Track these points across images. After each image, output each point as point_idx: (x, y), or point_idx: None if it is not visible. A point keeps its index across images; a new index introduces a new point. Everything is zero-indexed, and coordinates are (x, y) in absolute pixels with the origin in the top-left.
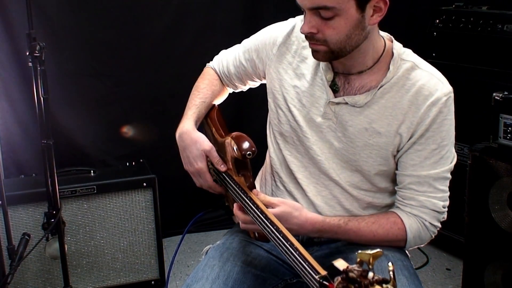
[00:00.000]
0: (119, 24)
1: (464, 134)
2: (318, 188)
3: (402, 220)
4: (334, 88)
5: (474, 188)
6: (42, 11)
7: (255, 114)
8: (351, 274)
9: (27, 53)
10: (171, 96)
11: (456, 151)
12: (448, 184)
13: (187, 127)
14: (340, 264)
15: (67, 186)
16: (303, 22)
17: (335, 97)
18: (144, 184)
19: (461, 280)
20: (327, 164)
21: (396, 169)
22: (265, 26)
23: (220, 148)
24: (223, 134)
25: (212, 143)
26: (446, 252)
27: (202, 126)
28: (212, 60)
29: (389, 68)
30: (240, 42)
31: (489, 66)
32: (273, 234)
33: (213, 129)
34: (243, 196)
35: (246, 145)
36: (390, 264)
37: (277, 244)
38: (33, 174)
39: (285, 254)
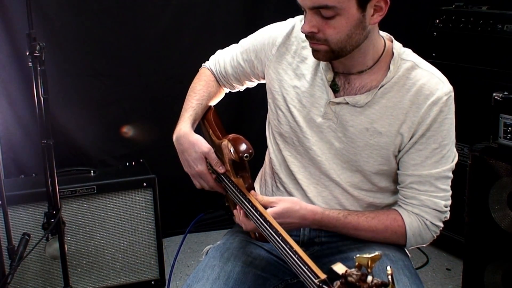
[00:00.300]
0: (119, 24)
1: (464, 134)
2: (318, 189)
3: (402, 218)
4: (335, 88)
5: (474, 188)
6: (42, 11)
7: (255, 114)
8: (350, 278)
9: (27, 53)
10: (171, 96)
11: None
12: (450, 183)
13: (184, 130)
14: (339, 268)
15: (67, 186)
16: (303, 22)
17: (336, 97)
18: (144, 184)
19: (461, 280)
20: (327, 164)
21: (398, 168)
22: (264, 26)
23: (218, 150)
24: (220, 135)
25: (209, 145)
26: (446, 252)
27: (199, 128)
28: (209, 60)
29: (389, 68)
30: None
31: (489, 66)
32: (272, 237)
33: (210, 131)
34: (241, 198)
35: (243, 147)
36: (388, 268)
37: (276, 246)
38: (33, 174)
39: (285, 256)
